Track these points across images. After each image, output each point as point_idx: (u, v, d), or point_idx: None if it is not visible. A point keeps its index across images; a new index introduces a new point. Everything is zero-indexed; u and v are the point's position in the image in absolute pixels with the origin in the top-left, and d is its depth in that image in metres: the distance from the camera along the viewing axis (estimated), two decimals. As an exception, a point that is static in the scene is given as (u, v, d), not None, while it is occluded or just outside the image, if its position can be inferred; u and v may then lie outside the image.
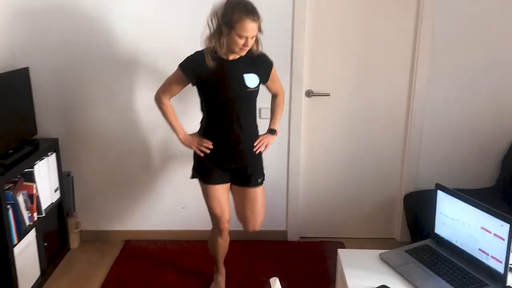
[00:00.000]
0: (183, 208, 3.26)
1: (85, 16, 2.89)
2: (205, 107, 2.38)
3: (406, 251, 1.89)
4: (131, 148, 3.13)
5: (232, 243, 2.94)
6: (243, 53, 2.22)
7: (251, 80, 2.28)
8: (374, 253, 1.89)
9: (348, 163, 3.21)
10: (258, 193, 2.48)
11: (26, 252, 2.64)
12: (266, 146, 2.46)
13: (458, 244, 1.80)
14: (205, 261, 2.93)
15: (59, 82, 3.00)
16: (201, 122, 2.45)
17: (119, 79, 3.01)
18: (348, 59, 3.02)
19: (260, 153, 2.48)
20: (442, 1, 2.87)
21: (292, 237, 3.31)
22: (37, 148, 2.80)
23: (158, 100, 2.43)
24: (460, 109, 3.06)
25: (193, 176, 2.51)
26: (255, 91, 2.32)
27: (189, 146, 2.43)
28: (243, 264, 3.00)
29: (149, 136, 3.11)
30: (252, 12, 2.09)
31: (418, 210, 2.98)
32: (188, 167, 3.06)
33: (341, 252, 1.91)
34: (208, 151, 2.36)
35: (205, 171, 2.43)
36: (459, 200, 1.76)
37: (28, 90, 2.84)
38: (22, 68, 2.79)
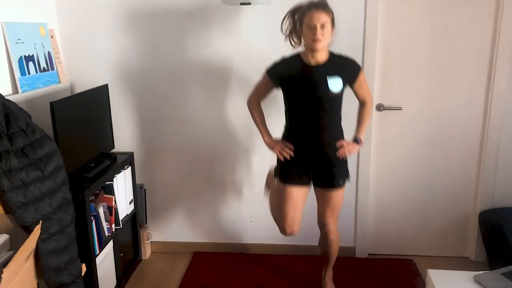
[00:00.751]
0: (251, 221, 3.28)
1: (159, 36, 2.99)
2: (288, 111, 2.46)
3: (503, 274, 1.82)
4: (201, 161, 3.19)
5: (299, 258, 2.94)
6: (319, 46, 2.23)
7: (334, 83, 2.31)
8: (467, 275, 1.82)
9: (419, 178, 3.13)
10: (340, 195, 2.52)
11: (105, 262, 2.73)
12: (348, 153, 2.45)
13: (562, 268, 1.71)
14: (273, 275, 2.93)
15: (135, 98, 3.11)
16: (285, 126, 2.52)
17: (189, 95, 3.08)
18: (420, 72, 2.97)
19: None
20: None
21: (361, 253, 3.25)
22: (115, 161, 2.90)
23: (248, 104, 2.58)
24: (541, 124, 2.93)
25: (275, 175, 2.58)
26: (339, 95, 2.36)
27: (272, 150, 2.50)
28: (311, 279, 2.97)
29: (217, 150, 3.16)
30: (317, 5, 2.21)
31: (496, 228, 2.86)
32: (255, 180, 3.10)
33: (431, 272, 1.85)
34: (289, 157, 2.42)
35: (287, 171, 2.48)
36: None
37: (107, 106, 2.96)
38: (103, 86, 2.90)
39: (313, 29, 2.19)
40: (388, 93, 3.02)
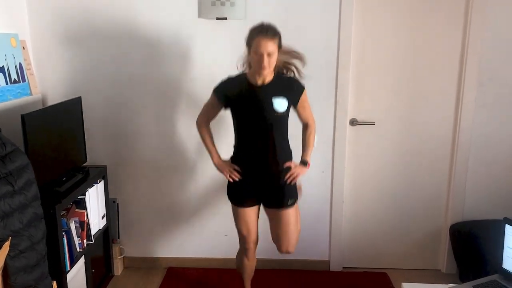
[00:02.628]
0: (226, 235, 3.25)
1: (135, 48, 2.97)
2: (236, 130, 2.48)
3: (474, 286, 1.86)
4: (175, 175, 3.16)
5: (274, 272, 2.94)
6: (264, 73, 2.27)
7: (279, 103, 2.34)
8: (440, 288, 1.86)
9: (392, 192, 3.18)
10: (291, 215, 2.49)
11: (76, 278, 2.66)
12: (296, 177, 2.46)
13: (530, 280, 1.76)
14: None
15: (108, 111, 3.07)
16: (234, 145, 2.52)
17: (164, 108, 3.06)
18: (393, 88, 3.04)
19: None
20: (488, 31, 2.87)
21: (335, 267, 3.27)
22: (87, 175, 2.84)
23: (197, 124, 2.58)
24: (507, 138, 3.03)
25: (227, 195, 2.58)
26: (284, 115, 2.38)
27: (221, 171, 2.52)
28: (288, 294, 2.97)
29: (192, 164, 3.14)
30: (266, 30, 2.22)
31: (467, 242, 2.92)
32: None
33: (406, 286, 1.88)
34: (237, 179, 2.45)
35: (236, 193, 2.51)
36: (530, 235, 1.73)
37: (80, 119, 2.90)
38: (75, 98, 2.86)
39: (260, 56, 2.21)
40: (362, 108, 3.07)
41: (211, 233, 3.25)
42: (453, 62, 2.98)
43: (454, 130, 3.06)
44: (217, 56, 2.96)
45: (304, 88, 2.44)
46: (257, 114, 2.36)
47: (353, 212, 3.22)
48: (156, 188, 3.19)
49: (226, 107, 2.45)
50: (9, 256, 1.77)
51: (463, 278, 2.99)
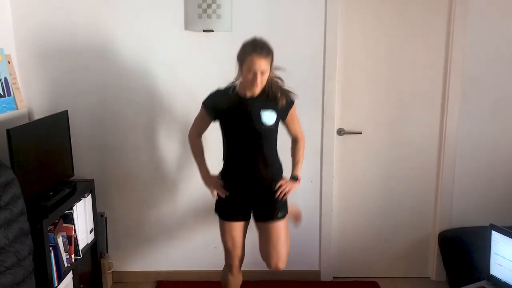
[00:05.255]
0: (215, 248, 3.23)
1: (121, 61, 2.97)
2: (225, 143, 2.46)
3: (462, 293, 1.87)
4: (163, 189, 3.15)
5: (264, 284, 2.93)
6: (256, 90, 2.28)
7: (268, 116, 2.34)
8: (429, 295, 1.86)
9: (381, 201, 3.20)
10: (281, 228, 2.46)
11: (64, 295, 2.62)
12: (288, 192, 2.45)
13: (517, 286, 1.78)
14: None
15: (95, 124, 3.05)
16: (223, 159, 2.51)
17: (152, 121, 3.06)
18: (379, 98, 3.07)
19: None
20: (471, 40, 2.93)
21: (325, 277, 3.27)
22: (74, 189, 2.81)
23: (189, 137, 2.59)
24: (493, 146, 3.08)
25: (215, 209, 2.55)
26: (273, 128, 2.38)
27: (208, 187, 2.52)
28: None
29: (180, 177, 3.13)
30: (260, 48, 2.19)
31: (455, 249, 2.94)
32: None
33: (395, 294, 1.88)
34: (223, 196, 2.44)
35: (224, 207, 2.49)
36: (517, 241, 1.76)
37: (67, 132, 2.88)
38: (62, 112, 2.83)
39: (254, 75, 2.21)
40: (348, 118, 3.10)
41: (200, 245, 3.23)
42: (437, 72, 3.03)
43: (440, 139, 3.10)
44: (204, 68, 2.97)
45: (293, 102, 2.42)
46: (245, 126, 2.35)
47: (342, 222, 3.23)
48: (144, 201, 3.17)
49: (215, 119, 2.45)
50: (-6, 273, 1.74)
51: (452, 285, 3.01)
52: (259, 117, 2.32)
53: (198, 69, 2.98)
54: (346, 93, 3.06)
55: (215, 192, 2.48)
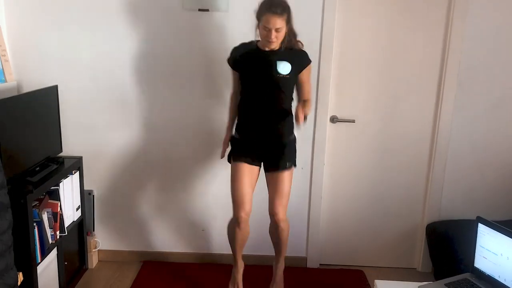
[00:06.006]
0: (203, 230, 3.23)
1: (115, 38, 2.92)
2: (243, 93, 2.58)
3: (446, 284, 1.87)
4: (152, 167, 3.12)
5: (251, 268, 2.93)
6: (273, 46, 2.40)
7: (283, 67, 2.44)
8: (413, 286, 1.86)
9: (371, 190, 3.19)
10: (285, 177, 2.58)
11: (47, 271, 2.61)
12: (305, 117, 2.45)
13: (501, 279, 1.77)
14: (223, 285, 2.89)
15: (85, 100, 3.01)
16: (239, 107, 2.62)
17: (144, 99, 3.02)
18: (374, 86, 3.04)
19: (294, 140, 2.63)
20: (470, 31, 2.89)
21: (312, 264, 3.26)
22: (62, 166, 2.79)
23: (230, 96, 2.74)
24: (484, 139, 3.06)
25: (228, 158, 2.67)
26: (287, 78, 2.46)
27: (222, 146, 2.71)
28: (264, 289, 2.95)
29: (170, 157, 3.10)
30: (275, 7, 2.30)
31: (442, 241, 2.94)
32: (208, 189, 3.06)
33: (379, 283, 1.88)
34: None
35: (238, 148, 2.61)
36: (502, 235, 1.74)
37: (56, 108, 2.84)
38: (51, 86, 2.79)
39: (268, 31, 2.33)
40: (342, 106, 3.07)
41: (188, 227, 3.22)
42: (434, 62, 2.99)
43: (433, 130, 3.08)
44: (201, 47, 2.92)
45: (310, 61, 2.54)
46: (261, 74, 2.46)
47: (331, 209, 3.22)
48: (133, 181, 3.14)
49: (235, 69, 2.56)
50: (-27, 246, 1.71)
51: (438, 277, 3.01)
52: (275, 66, 2.42)
53: (195, 48, 2.93)
54: (341, 80, 3.03)
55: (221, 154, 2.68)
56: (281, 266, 2.81)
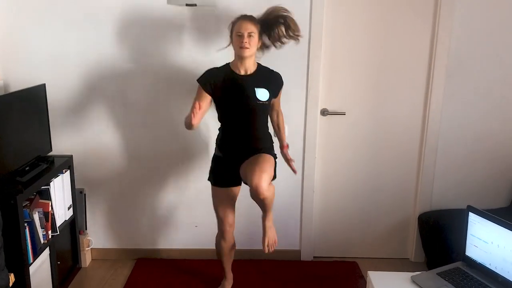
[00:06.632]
0: (196, 226, 3.23)
1: (102, 33, 2.89)
2: (221, 118, 2.55)
3: (437, 273, 1.88)
4: (144, 165, 3.11)
5: (245, 262, 2.94)
6: (245, 54, 2.36)
7: (261, 94, 2.44)
8: (405, 276, 1.87)
9: (362, 182, 3.20)
10: (265, 157, 2.41)
11: (40, 271, 2.59)
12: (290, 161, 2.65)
13: (492, 267, 1.79)
14: (217, 280, 2.89)
15: (74, 98, 2.98)
16: (217, 136, 2.62)
17: (133, 96, 3.00)
18: (363, 78, 3.04)
19: (274, 156, 2.55)
20: (457, 22, 2.90)
21: (306, 256, 3.28)
22: (52, 165, 2.77)
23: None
24: (475, 129, 3.08)
25: (208, 178, 2.65)
26: (266, 104, 2.47)
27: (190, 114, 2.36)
28: (256, 283, 2.96)
29: (161, 154, 3.09)
30: (248, 16, 2.40)
31: (434, 231, 2.97)
32: (200, 185, 3.05)
33: (372, 274, 1.89)
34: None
35: (217, 174, 2.59)
36: (492, 223, 1.76)
37: (45, 106, 2.82)
38: (39, 85, 2.76)
39: (241, 37, 2.34)
40: (332, 99, 3.07)
41: (181, 224, 3.22)
42: (422, 53, 3.00)
43: (423, 121, 3.09)
44: (187, 44, 2.91)
45: (282, 84, 2.57)
46: (239, 102, 2.44)
47: (323, 202, 3.23)
48: (125, 179, 3.13)
49: (210, 94, 2.46)
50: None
51: (430, 266, 3.04)
52: (253, 93, 2.41)
53: (180, 44, 2.91)
54: (330, 73, 3.03)
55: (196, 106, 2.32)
56: (269, 218, 2.51)
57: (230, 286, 2.85)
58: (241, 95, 2.42)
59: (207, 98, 2.46)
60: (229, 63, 2.50)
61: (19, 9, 2.84)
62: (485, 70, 2.99)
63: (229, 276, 2.85)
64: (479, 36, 2.94)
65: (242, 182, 2.57)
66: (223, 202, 2.61)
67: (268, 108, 2.52)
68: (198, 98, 2.46)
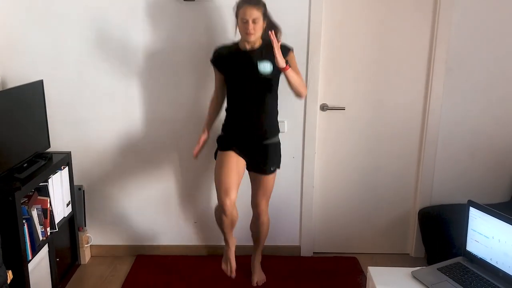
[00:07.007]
0: (195, 222, 3.22)
1: (99, 29, 2.87)
2: (228, 93, 2.63)
3: (438, 269, 1.87)
4: (143, 161, 3.10)
5: (245, 258, 2.92)
6: (252, 39, 2.43)
7: (264, 66, 2.48)
8: (406, 271, 1.86)
9: (362, 177, 3.19)
10: (269, 178, 2.68)
11: (39, 268, 2.58)
12: (276, 42, 2.38)
13: (493, 262, 1.78)
14: (217, 277, 2.89)
15: (72, 94, 2.97)
16: (225, 109, 2.68)
17: (131, 92, 2.98)
18: (363, 73, 3.02)
19: (278, 143, 2.67)
20: (457, 16, 2.88)
21: (306, 252, 3.27)
22: (50, 161, 2.75)
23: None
24: (475, 123, 3.06)
25: (215, 155, 2.69)
26: (270, 78, 2.51)
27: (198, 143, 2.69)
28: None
29: (160, 150, 3.08)
30: (253, 0, 2.40)
31: (434, 226, 2.96)
32: (200, 180, 3.04)
33: (372, 269, 1.88)
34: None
35: (226, 143, 2.63)
36: (493, 217, 1.75)
37: (42, 103, 2.80)
38: (37, 81, 2.75)
39: (246, 23, 2.39)
40: (332, 94, 3.06)
41: (180, 220, 3.21)
42: (422, 48, 2.98)
43: (423, 116, 3.08)
44: (185, 38, 2.89)
45: (289, 50, 2.54)
46: (245, 76, 2.51)
47: (323, 198, 3.22)
48: (123, 175, 3.11)
49: (221, 71, 2.59)
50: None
51: (430, 262, 3.03)
52: (255, 66, 2.46)
53: (179, 38, 2.89)
54: (330, 68, 3.01)
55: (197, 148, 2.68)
56: (258, 258, 2.93)
57: (232, 251, 2.70)
58: (245, 69, 2.50)
59: (220, 75, 2.62)
60: (237, 41, 2.57)
61: (16, 5, 2.82)
62: (485, 64, 2.97)
63: (231, 241, 2.69)
64: (479, 30, 2.92)
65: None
66: (228, 169, 2.51)
67: (275, 83, 2.56)
68: (215, 77, 2.65)
